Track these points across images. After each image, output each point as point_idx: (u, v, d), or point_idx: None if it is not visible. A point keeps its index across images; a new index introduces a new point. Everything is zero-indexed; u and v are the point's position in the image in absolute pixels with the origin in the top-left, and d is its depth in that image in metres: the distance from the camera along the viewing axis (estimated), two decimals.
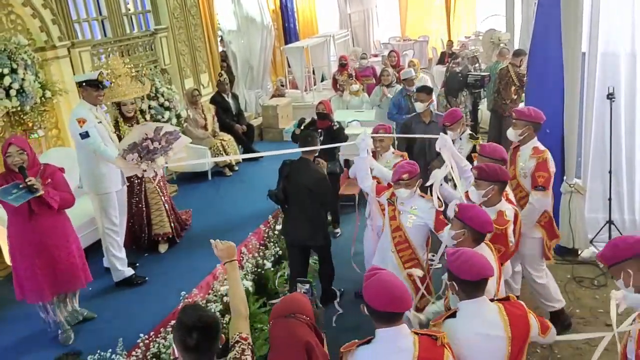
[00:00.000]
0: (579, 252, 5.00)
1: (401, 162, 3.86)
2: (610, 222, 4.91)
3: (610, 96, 4.64)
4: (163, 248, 5.18)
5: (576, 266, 4.86)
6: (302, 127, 5.64)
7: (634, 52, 4.67)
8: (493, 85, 7.31)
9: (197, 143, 6.88)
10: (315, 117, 5.71)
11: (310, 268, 4.85)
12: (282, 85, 9.91)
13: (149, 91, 5.62)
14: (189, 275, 4.51)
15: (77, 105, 4.37)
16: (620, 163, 4.89)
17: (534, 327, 2.35)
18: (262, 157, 7.37)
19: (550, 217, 3.98)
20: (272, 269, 4.87)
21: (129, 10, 7.43)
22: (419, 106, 5.30)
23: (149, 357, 3.61)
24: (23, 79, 4.76)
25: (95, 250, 4.72)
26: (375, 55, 13.14)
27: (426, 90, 5.35)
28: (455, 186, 3.93)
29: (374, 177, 4.05)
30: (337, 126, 5.55)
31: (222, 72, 8.48)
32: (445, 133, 5.28)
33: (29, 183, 3.40)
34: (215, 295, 4.25)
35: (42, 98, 5.07)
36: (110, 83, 4.71)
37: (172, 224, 5.17)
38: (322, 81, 11.14)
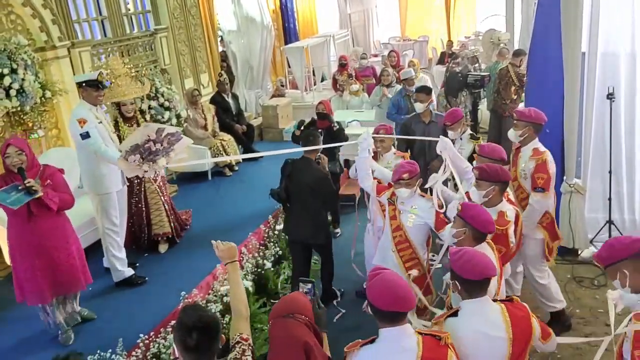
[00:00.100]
0: (579, 252, 5.00)
1: (401, 162, 3.87)
2: (610, 222, 4.91)
3: (610, 96, 4.64)
4: (163, 248, 5.18)
5: (576, 266, 4.86)
6: (302, 128, 5.64)
7: (633, 52, 4.67)
8: (493, 85, 7.32)
9: (197, 143, 6.88)
10: (315, 117, 5.71)
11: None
12: (282, 85, 9.91)
13: (148, 91, 5.62)
14: (189, 276, 4.51)
15: (77, 106, 4.36)
16: (620, 163, 4.89)
17: (536, 330, 2.35)
18: (262, 157, 7.39)
19: (552, 218, 3.97)
20: (272, 269, 4.87)
21: (129, 10, 7.43)
22: (419, 107, 5.30)
23: (149, 357, 3.61)
24: (23, 79, 4.76)
25: (95, 250, 4.72)
26: (375, 55, 13.15)
27: (425, 91, 5.35)
28: (455, 186, 3.93)
29: (374, 178, 4.05)
30: (337, 127, 5.55)
31: (222, 72, 8.48)
32: (446, 133, 5.31)
33: (27, 185, 3.39)
34: (215, 296, 4.25)
35: (42, 98, 5.06)
36: (110, 83, 4.71)
37: (172, 224, 5.17)
38: (322, 81, 11.14)
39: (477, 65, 8.58)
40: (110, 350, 3.51)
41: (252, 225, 5.41)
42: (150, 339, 3.70)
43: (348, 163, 6.41)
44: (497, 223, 3.14)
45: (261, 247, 5.18)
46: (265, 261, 4.85)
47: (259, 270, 4.75)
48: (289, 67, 10.71)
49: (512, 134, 4.03)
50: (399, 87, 7.04)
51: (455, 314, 2.38)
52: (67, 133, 5.32)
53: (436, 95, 8.15)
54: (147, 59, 7.24)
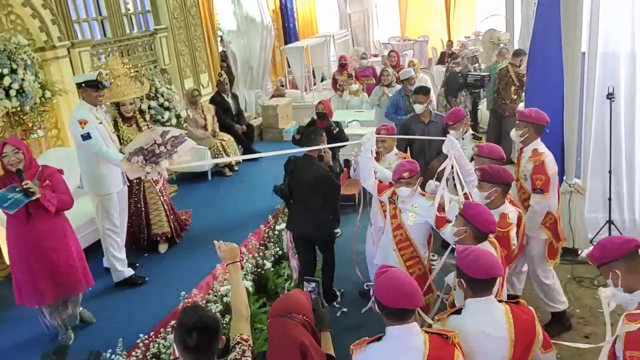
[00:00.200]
0: (579, 252, 5.00)
1: (401, 161, 3.88)
2: (610, 222, 4.91)
3: (610, 96, 4.64)
4: (163, 248, 5.18)
5: (576, 266, 4.85)
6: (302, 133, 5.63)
7: (633, 52, 4.67)
8: (493, 85, 7.31)
9: (197, 143, 6.84)
10: (315, 117, 5.71)
11: None
12: (282, 85, 9.91)
13: (147, 91, 5.62)
14: (189, 276, 4.51)
15: (77, 106, 4.35)
16: (620, 163, 4.88)
17: (540, 335, 2.33)
18: (262, 157, 7.39)
19: (555, 218, 3.95)
20: (272, 269, 4.87)
21: (129, 10, 7.43)
22: (418, 108, 5.29)
23: (148, 357, 3.61)
24: (23, 79, 4.76)
25: (95, 250, 4.72)
26: (375, 55, 13.15)
27: (423, 92, 5.33)
28: (455, 186, 3.93)
29: (375, 178, 4.06)
30: (337, 129, 5.54)
31: (222, 72, 8.49)
32: (445, 133, 5.31)
33: (25, 187, 3.37)
34: (215, 296, 4.25)
35: (42, 98, 5.06)
36: (110, 83, 4.71)
37: (171, 224, 5.17)
38: (322, 81, 11.14)
39: (477, 65, 8.58)
40: (110, 350, 3.51)
41: (252, 225, 5.41)
42: (150, 339, 3.70)
43: (348, 163, 6.41)
44: (499, 225, 3.14)
45: (261, 247, 5.18)
46: (265, 261, 4.85)
47: (259, 270, 4.75)
48: (289, 67, 10.71)
49: (513, 134, 4.04)
50: (398, 87, 7.04)
51: (458, 311, 2.38)
52: (67, 133, 5.32)
53: (436, 95, 8.15)
54: (147, 59, 7.24)
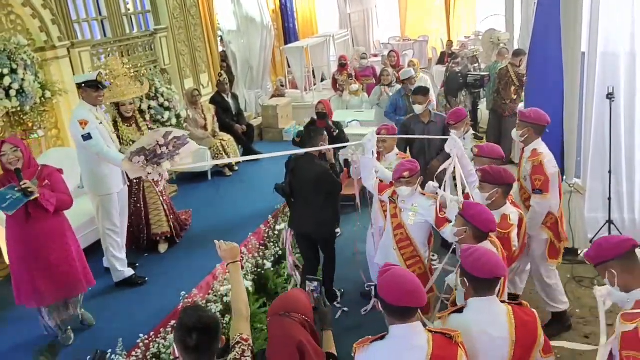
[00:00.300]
0: (579, 252, 5.00)
1: (402, 161, 3.90)
2: (610, 221, 4.91)
3: (610, 96, 4.63)
4: (163, 248, 5.18)
5: (576, 266, 4.85)
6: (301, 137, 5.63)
7: (633, 52, 4.67)
8: (492, 85, 7.31)
9: (197, 143, 6.84)
10: (315, 117, 5.70)
11: None
12: (282, 85, 9.91)
13: (147, 91, 5.62)
14: (189, 276, 4.51)
15: (78, 107, 4.34)
16: (620, 163, 4.88)
17: (541, 338, 2.32)
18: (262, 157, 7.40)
19: (557, 218, 3.94)
20: (272, 269, 4.87)
21: (129, 10, 7.43)
22: (417, 108, 5.28)
23: (148, 357, 3.61)
24: (23, 79, 4.76)
25: (95, 250, 4.72)
26: (375, 55, 13.15)
27: (422, 92, 5.32)
28: (455, 186, 3.93)
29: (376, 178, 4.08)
30: (337, 131, 5.53)
31: (222, 72, 8.48)
32: (445, 133, 5.31)
33: (23, 186, 3.36)
34: (216, 296, 4.25)
35: (42, 98, 5.07)
36: (110, 83, 4.71)
37: (171, 224, 5.17)
38: (322, 81, 11.14)
39: (477, 65, 8.58)
40: (110, 350, 3.50)
41: (252, 225, 5.41)
42: (150, 339, 3.70)
43: (348, 163, 6.41)
44: (500, 226, 3.13)
45: (261, 247, 5.18)
46: (265, 261, 4.85)
47: (259, 270, 4.75)
48: (289, 67, 10.71)
49: (514, 134, 4.05)
50: (398, 86, 7.05)
51: (460, 310, 2.38)
52: (67, 133, 5.32)
53: (436, 95, 8.15)
54: (147, 59, 7.25)
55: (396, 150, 4.67)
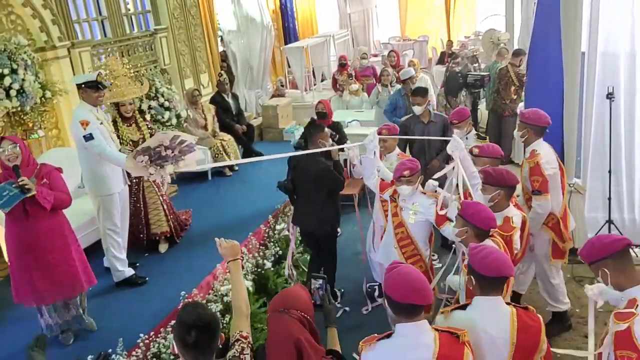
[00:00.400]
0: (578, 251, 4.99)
1: (402, 160, 3.91)
2: (610, 221, 4.91)
3: (610, 96, 4.63)
4: (163, 248, 5.18)
5: (576, 266, 4.84)
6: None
7: (633, 52, 4.67)
8: (492, 85, 7.32)
9: (197, 143, 6.86)
10: (315, 117, 5.70)
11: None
12: (282, 85, 9.92)
13: (147, 91, 5.62)
14: (189, 275, 4.52)
15: (78, 107, 4.33)
16: (619, 162, 4.88)
17: (544, 344, 2.30)
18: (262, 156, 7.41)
19: (558, 219, 3.93)
20: (272, 268, 4.88)
21: (129, 10, 7.44)
22: (417, 109, 5.28)
23: (149, 357, 3.61)
24: (23, 79, 4.77)
25: (95, 250, 4.72)
26: (375, 55, 13.15)
27: (421, 93, 5.31)
28: (457, 186, 3.94)
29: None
30: (337, 136, 5.53)
31: (222, 72, 8.49)
32: (445, 132, 5.31)
33: (21, 183, 3.35)
34: (216, 295, 4.25)
35: (42, 98, 5.07)
36: (110, 83, 4.71)
37: (171, 223, 5.17)
38: (322, 81, 11.15)
39: (477, 65, 8.58)
40: (110, 350, 3.51)
41: (252, 225, 5.41)
42: (151, 338, 3.71)
43: (346, 163, 6.40)
44: (502, 229, 3.11)
45: (261, 247, 5.19)
46: (265, 261, 4.85)
47: (259, 270, 4.75)
48: (289, 67, 10.71)
49: (516, 134, 4.05)
50: (398, 86, 7.05)
51: (463, 307, 2.38)
52: (68, 133, 5.32)
53: (436, 95, 8.15)
54: (147, 59, 7.25)
55: (397, 150, 4.67)
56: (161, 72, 7.39)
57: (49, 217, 3.56)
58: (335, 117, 6.14)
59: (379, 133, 4.40)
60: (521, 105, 6.58)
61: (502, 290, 2.35)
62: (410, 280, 2.11)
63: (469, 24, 15.20)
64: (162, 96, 6.62)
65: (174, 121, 6.78)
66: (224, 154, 7.05)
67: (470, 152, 3.82)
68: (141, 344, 3.62)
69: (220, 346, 2.08)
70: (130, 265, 4.67)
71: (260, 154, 7.66)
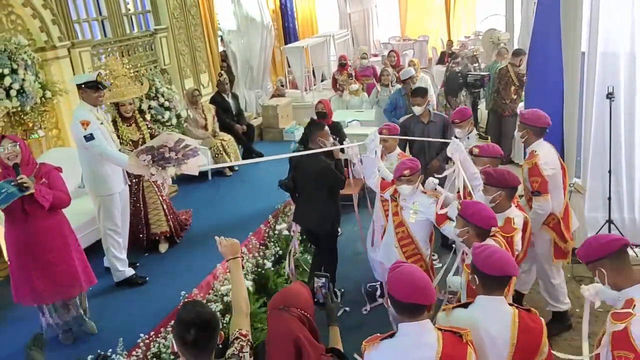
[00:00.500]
0: None
1: (402, 159, 3.91)
2: (610, 221, 4.91)
3: (610, 96, 4.64)
4: (163, 248, 5.18)
5: (576, 265, 4.84)
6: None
7: (633, 52, 4.67)
8: (492, 85, 7.32)
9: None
10: (315, 117, 5.70)
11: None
12: (282, 85, 9.92)
13: (147, 91, 5.62)
14: (189, 275, 4.52)
15: (78, 107, 4.32)
16: (619, 162, 4.89)
17: (545, 347, 2.30)
18: (262, 157, 7.40)
19: (559, 219, 3.93)
20: (272, 268, 4.88)
21: (129, 10, 7.44)
22: (417, 110, 5.28)
23: (149, 357, 3.62)
24: (23, 79, 4.77)
25: (95, 250, 4.72)
26: (375, 55, 13.15)
27: (421, 94, 5.31)
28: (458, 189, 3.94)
29: None
30: (337, 138, 5.53)
31: (222, 72, 8.49)
32: (445, 133, 5.31)
33: (19, 181, 3.35)
34: (216, 295, 4.25)
35: (42, 98, 5.07)
36: (110, 83, 4.71)
37: (170, 223, 5.17)
38: (322, 81, 11.15)
39: (477, 65, 8.58)
40: (110, 350, 3.51)
41: (252, 225, 5.41)
42: (151, 338, 3.71)
43: (346, 162, 6.40)
44: (503, 230, 3.10)
45: (261, 247, 5.19)
46: (265, 261, 4.85)
47: (259, 270, 4.75)
48: (289, 67, 10.71)
49: (517, 134, 4.05)
50: (398, 86, 7.05)
51: (465, 305, 2.38)
52: (68, 133, 5.32)
53: (436, 95, 8.16)
54: (147, 59, 7.25)
55: (398, 150, 4.68)
56: (161, 72, 7.39)
57: (48, 216, 3.55)
58: (335, 117, 6.14)
59: (380, 133, 4.41)
60: (521, 105, 6.58)
61: (505, 289, 2.35)
62: (414, 279, 2.11)
63: (469, 24, 15.20)
64: (162, 96, 6.62)
65: (174, 121, 6.77)
66: (224, 154, 7.05)
67: (470, 152, 3.82)
68: (141, 344, 3.62)
69: (220, 345, 2.08)
70: (131, 265, 4.67)
71: (261, 154, 7.68)
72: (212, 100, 7.75)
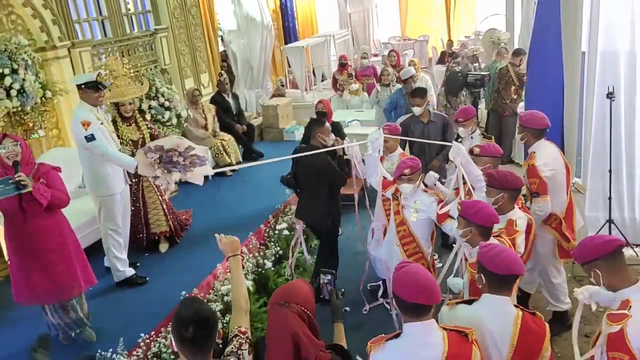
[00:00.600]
0: None
1: (403, 159, 3.92)
2: (610, 221, 4.90)
3: (610, 95, 4.63)
4: (164, 248, 5.18)
5: (576, 265, 4.84)
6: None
7: (633, 51, 4.67)
8: (492, 85, 7.32)
9: (198, 143, 6.84)
10: (315, 117, 5.70)
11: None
12: (282, 85, 9.91)
13: (147, 91, 5.62)
14: (190, 275, 4.52)
15: (78, 107, 4.30)
16: (620, 162, 4.89)
17: (547, 351, 2.29)
18: (262, 157, 7.41)
19: (561, 219, 3.92)
20: (272, 268, 4.88)
21: (129, 10, 7.44)
22: (417, 110, 5.28)
23: (149, 356, 3.62)
24: (24, 79, 4.77)
25: (95, 250, 4.72)
26: (375, 55, 13.15)
27: (420, 94, 5.30)
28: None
29: None
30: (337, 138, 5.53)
31: (222, 72, 8.49)
32: (445, 133, 5.31)
33: (17, 179, 3.34)
34: (216, 295, 4.25)
35: (43, 98, 5.08)
36: (110, 83, 4.71)
37: (170, 223, 5.17)
38: (322, 81, 11.15)
39: (477, 64, 8.58)
40: (110, 350, 3.52)
41: (253, 225, 5.41)
42: (151, 338, 3.71)
43: (349, 163, 6.41)
44: (505, 232, 3.11)
45: (261, 247, 5.19)
46: (265, 261, 4.86)
47: (260, 269, 4.76)
48: (289, 66, 10.71)
49: (518, 135, 4.05)
50: (398, 86, 7.05)
51: (469, 302, 2.38)
52: (68, 133, 5.32)
53: (436, 95, 8.16)
54: (147, 59, 7.25)
55: (399, 150, 4.69)
56: (161, 72, 7.39)
57: (46, 216, 3.53)
58: (336, 117, 6.14)
59: None
60: (521, 104, 6.58)
61: (511, 289, 2.35)
62: (418, 279, 2.11)
63: (469, 24, 15.20)
64: (162, 96, 6.62)
65: (174, 121, 6.78)
66: (224, 153, 7.05)
67: (471, 151, 3.81)
68: (142, 344, 3.62)
69: (220, 344, 2.08)
70: (131, 265, 4.67)
71: (261, 154, 7.69)
72: (213, 100, 7.75)
